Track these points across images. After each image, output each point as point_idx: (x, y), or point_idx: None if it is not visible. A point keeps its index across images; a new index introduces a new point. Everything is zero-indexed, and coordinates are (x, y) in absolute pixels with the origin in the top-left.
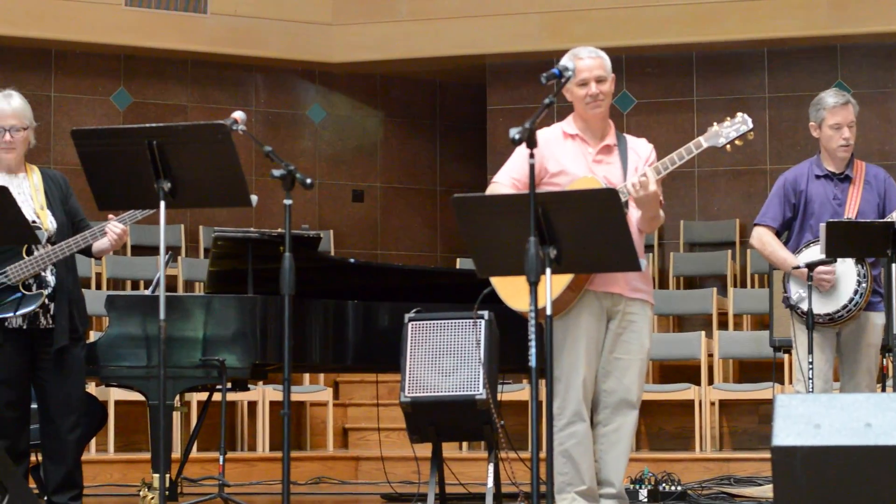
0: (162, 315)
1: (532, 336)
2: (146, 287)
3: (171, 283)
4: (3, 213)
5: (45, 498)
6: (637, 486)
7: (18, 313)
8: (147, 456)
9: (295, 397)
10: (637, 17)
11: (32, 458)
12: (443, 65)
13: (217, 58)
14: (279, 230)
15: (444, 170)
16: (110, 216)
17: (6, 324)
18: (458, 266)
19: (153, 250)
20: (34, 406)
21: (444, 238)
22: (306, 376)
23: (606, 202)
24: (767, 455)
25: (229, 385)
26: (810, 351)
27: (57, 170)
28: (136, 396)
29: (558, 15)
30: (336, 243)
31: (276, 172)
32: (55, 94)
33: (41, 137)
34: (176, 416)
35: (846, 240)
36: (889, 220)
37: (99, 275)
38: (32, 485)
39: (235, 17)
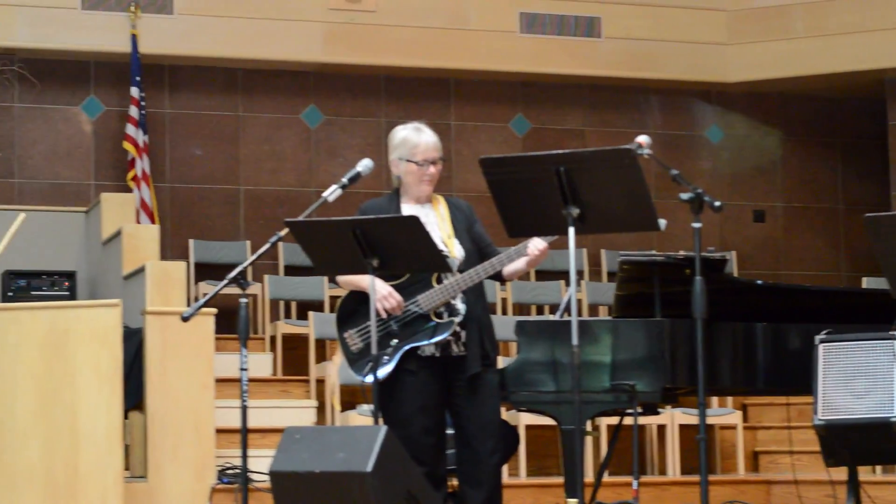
0: (575, 340)
1: None
2: (551, 312)
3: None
4: (415, 242)
5: None
6: None
7: (432, 341)
8: (558, 480)
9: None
10: None
11: (450, 483)
12: (840, 81)
13: (613, 81)
14: (682, 252)
15: (846, 187)
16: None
17: (420, 352)
18: (863, 285)
19: (556, 275)
20: (450, 432)
21: (848, 257)
22: (714, 399)
23: None
24: None
25: (640, 409)
26: None
27: (460, 197)
28: (547, 421)
29: None
30: (738, 264)
31: (684, 196)
32: (455, 123)
33: (443, 166)
34: (587, 440)
35: None
36: None
37: (504, 300)
38: None
39: (630, 41)
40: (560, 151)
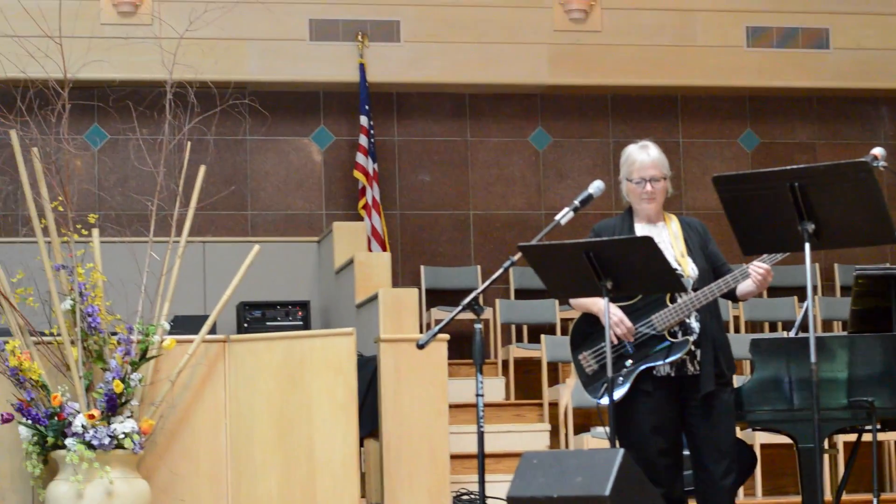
0: (813, 358)
1: None
2: (784, 329)
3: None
4: (649, 263)
5: None
6: None
7: (666, 361)
8: (795, 499)
9: None
10: None
11: None
12: None
13: (842, 93)
14: None
15: None
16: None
17: (654, 372)
18: None
19: (790, 291)
20: (686, 453)
21: None
22: None
23: None
24: None
25: (878, 426)
26: None
27: (690, 216)
28: (782, 439)
29: None
30: None
31: None
32: (683, 140)
33: (671, 184)
34: (824, 458)
35: None
36: None
37: (737, 318)
38: None
39: (859, 51)
40: (794, 167)
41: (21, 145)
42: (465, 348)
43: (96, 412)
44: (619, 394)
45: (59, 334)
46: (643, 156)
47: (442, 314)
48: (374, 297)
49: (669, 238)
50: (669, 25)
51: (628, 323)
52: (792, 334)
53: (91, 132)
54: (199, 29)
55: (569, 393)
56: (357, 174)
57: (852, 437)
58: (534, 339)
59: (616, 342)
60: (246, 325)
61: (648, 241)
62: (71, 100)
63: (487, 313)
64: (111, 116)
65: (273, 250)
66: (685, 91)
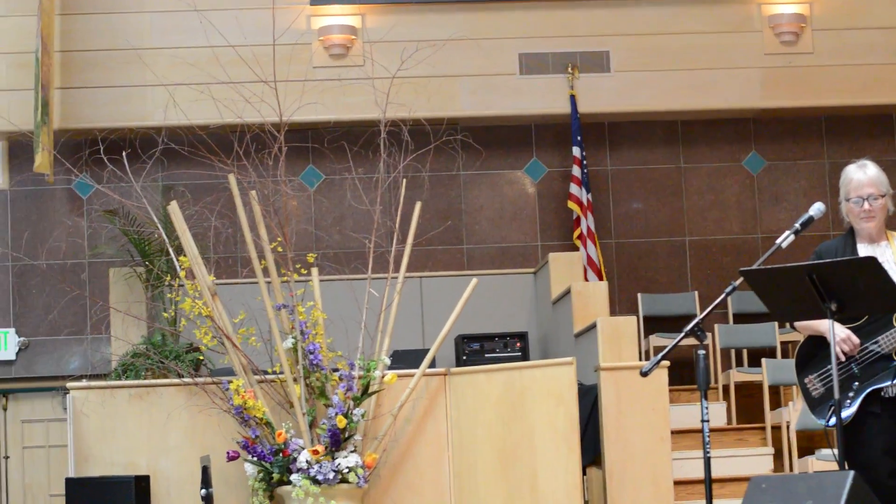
0: None
1: None
2: None
3: None
4: (873, 283)
5: None
6: None
7: (894, 382)
8: None
9: None
10: None
11: None
12: None
13: None
14: None
15: None
16: None
17: (883, 393)
18: None
19: None
20: None
21: None
22: None
23: None
24: None
25: None
26: None
27: None
28: None
29: None
30: None
31: None
32: None
33: (892, 201)
34: None
35: None
36: None
37: None
38: None
39: None
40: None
41: (239, 189)
42: (685, 374)
43: (320, 448)
44: (846, 415)
45: (281, 372)
46: (860, 174)
47: (661, 341)
48: (593, 327)
49: (893, 257)
50: (881, 43)
51: (855, 339)
52: None
53: (307, 173)
54: (410, 68)
55: (793, 416)
56: (571, 205)
57: None
58: (754, 362)
59: (844, 359)
60: (465, 357)
61: (872, 262)
62: (286, 142)
63: (707, 338)
64: (326, 157)
65: (489, 283)
66: None
